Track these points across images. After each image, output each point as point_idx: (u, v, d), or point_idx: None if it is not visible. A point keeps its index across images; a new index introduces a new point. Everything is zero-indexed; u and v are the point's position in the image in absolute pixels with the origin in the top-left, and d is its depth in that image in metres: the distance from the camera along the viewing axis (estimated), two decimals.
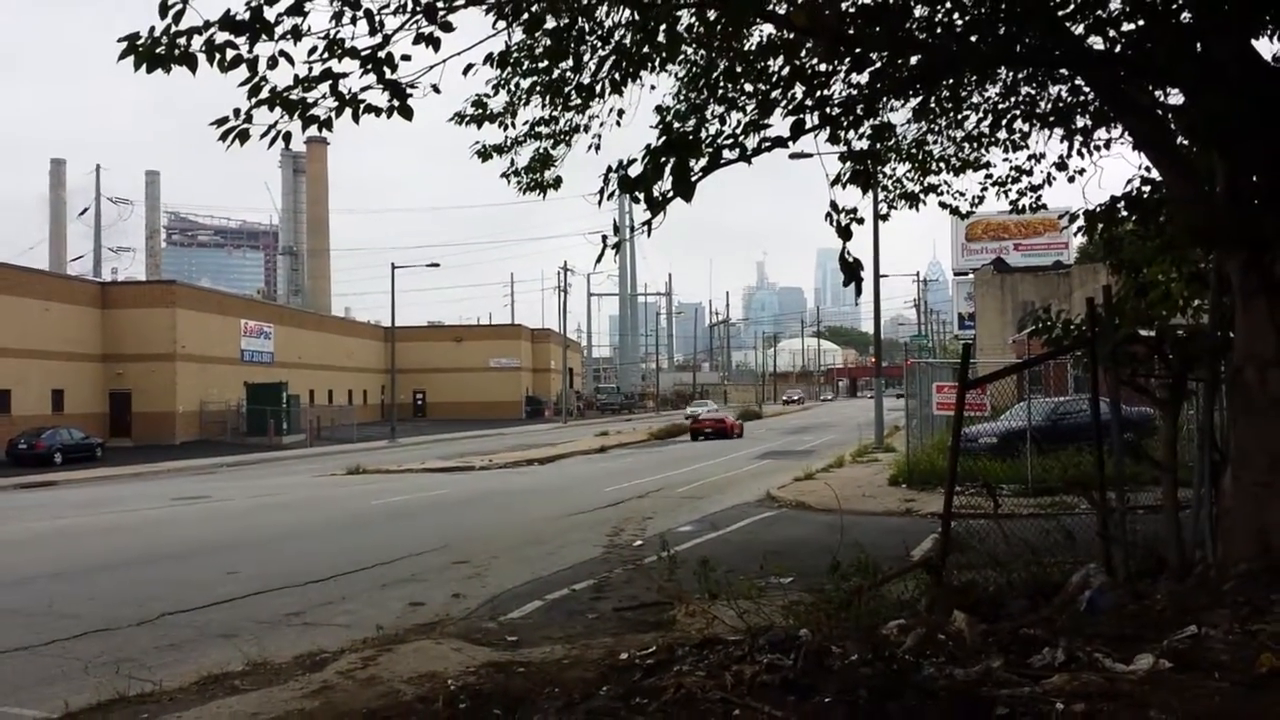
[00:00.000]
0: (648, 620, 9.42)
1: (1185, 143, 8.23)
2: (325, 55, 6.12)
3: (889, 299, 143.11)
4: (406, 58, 5.95)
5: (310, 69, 6.14)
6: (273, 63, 5.98)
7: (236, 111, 6.02)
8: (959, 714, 4.99)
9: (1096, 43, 7.76)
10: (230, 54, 5.83)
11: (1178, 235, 8.26)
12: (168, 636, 9.88)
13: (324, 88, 6.17)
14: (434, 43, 5.98)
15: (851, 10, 6.35)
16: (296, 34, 5.97)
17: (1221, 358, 8.04)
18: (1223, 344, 7.93)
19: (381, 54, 5.98)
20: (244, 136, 6.08)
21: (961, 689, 5.29)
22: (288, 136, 6.36)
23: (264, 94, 6.00)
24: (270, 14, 5.78)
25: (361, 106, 6.16)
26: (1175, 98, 8.42)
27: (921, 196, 12.65)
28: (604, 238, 5.69)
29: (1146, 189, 9.46)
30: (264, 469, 39.11)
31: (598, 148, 10.14)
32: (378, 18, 6.11)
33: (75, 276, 63.45)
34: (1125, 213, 8.44)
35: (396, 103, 5.97)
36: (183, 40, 5.72)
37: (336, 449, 49.49)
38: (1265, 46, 8.62)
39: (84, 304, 51.08)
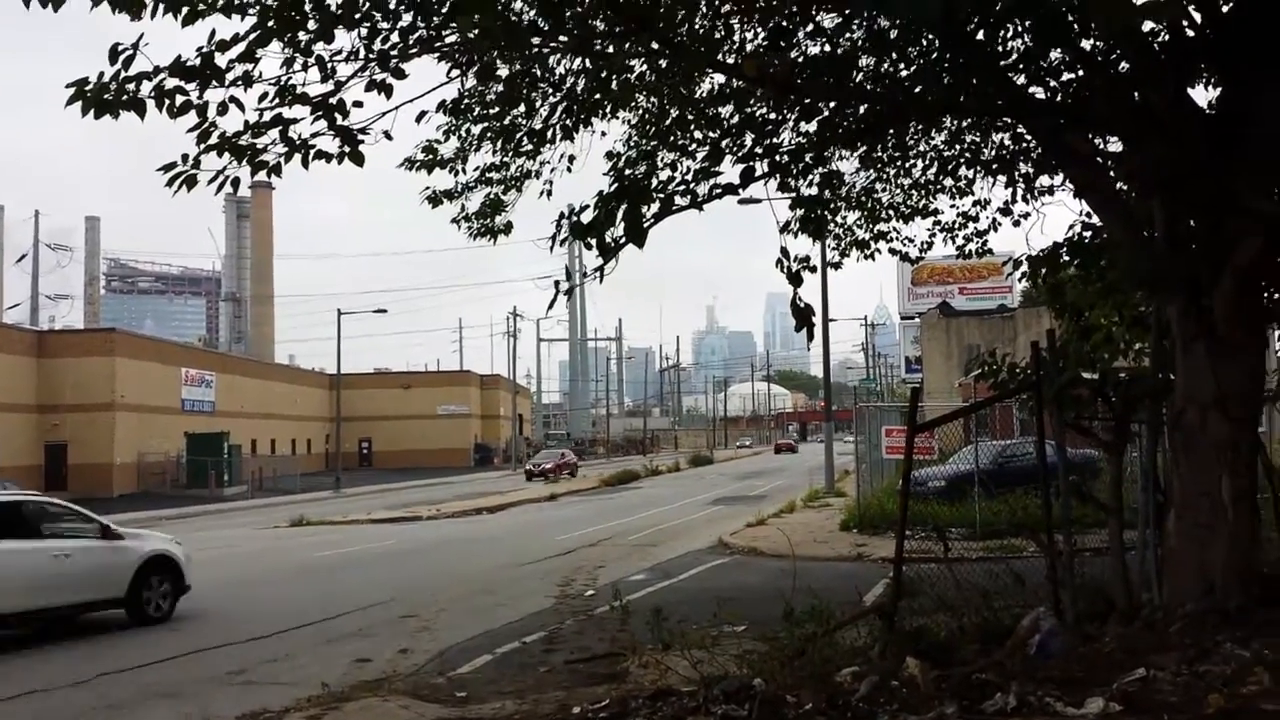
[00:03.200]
0: (600, 672, 9.29)
1: (1125, 189, 8.43)
2: (276, 101, 6.10)
3: (838, 342, 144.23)
4: (359, 104, 5.94)
5: (261, 115, 6.10)
6: (223, 109, 5.95)
7: (184, 157, 5.96)
8: None
9: (1038, 92, 7.97)
10: (180, 100, 5.78)
11: (1118, 280, 8.44)
12: (106, 697, 9.58)
13: (274, 134, 6.14)
14: (386, 90, 5.97)
15: (800, 61, 6.46)
16: (248, 80, 5.95)
17: (1163, 400, 8.18)
18: (1164, 387, 8.07)
19: (333, 100, 5.96)
20: (191, 182, 6.02)
21: None
22: (236, 182, 6.31)
23: (213, 139, 5.95)
24: (221, 60, 5.75)
25: (312, 152, 6.13)
26: (1114, 145, 8.65)
27: (872, 244, 12.84)
28: (556, 283, 5.68)
29: (1088, 234, 9.68)
30: (204, 521, 38.21)
31: (549, 193, 10.18)
32: (330, 65, 6.09)
33: (11, 325, 61.95)
34: (1067, 258, 8.62)
35: (348, 149, 5.94)
36: (132, 86, 5.66)
37: (280, 500, 48.55)
38: (1201, 94, 8.91)
39: (20, 353, 49.84)
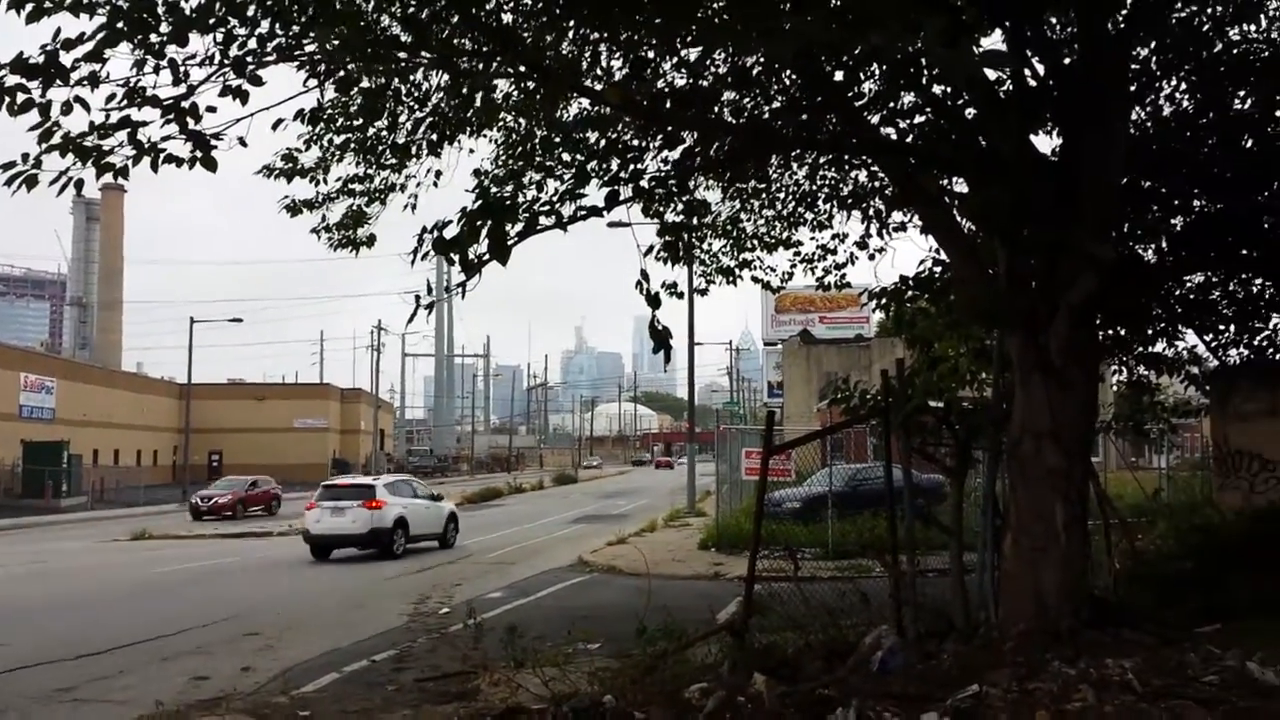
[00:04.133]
0: (451, 691, 9.18)
1: (970, 228, 8.87)
2: (125, 103, 5.88)
3: (704, 366, 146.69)
4: (212, 109, 5.78)
5: (108, 116, 5.87)
6: (67, 108, 5.72)
7: (25, 156, 5.68)
8: None
9: (891, 133, 8.32)
10: (21, 98, 5.52)
11: (962, 314, 8.84)
12: None
13: (122, 135, 5.91)
14: (242, 96, 5.82)
15: (664, 91, 6.59)
16: (94, 80, 5.72)
17: (1003, 429, 8.60)
18: (1004, 416, 8.48)
19: (185, 104, 5.78)
20: (32, 182, 5.75)
21: None
22: (80, 183, 6.06)
23: (56, 139, 5.69)
24: (66, 59, 5.52)
25: (161, 156, 5.92)
26: (961, 186, 9.08)
27: (737, 271, 13.13)
28: (417, 297, 5.63)
29: (938, 270, 10.12)
30: (39, 533, 36.13)
31: (414, 207, 10.07)
32: (183, 68, 5.91)
33: None
34: (914, 291, 9.00)
35: (199, 154, 5.77)
36: None
37: (122, 512, 46.20)
38: (1045, 142, 9.46)
39: None
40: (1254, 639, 7.45)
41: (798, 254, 12.65)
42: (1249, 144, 10.93)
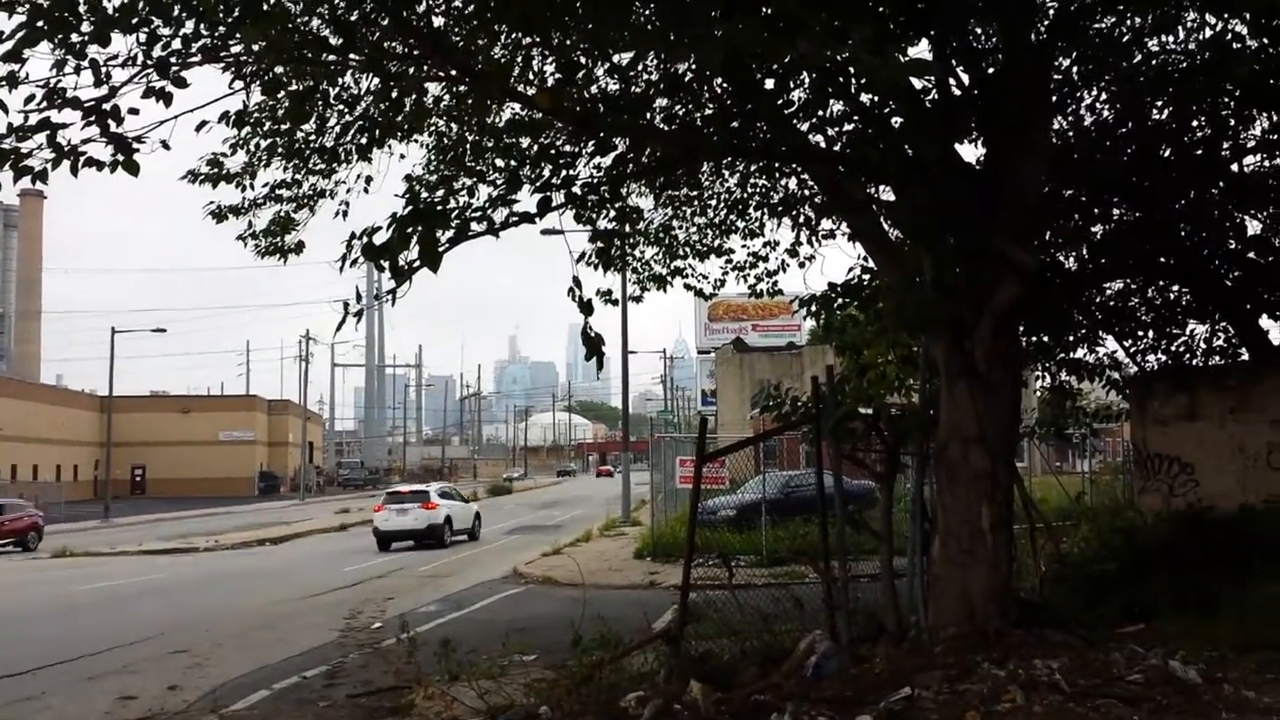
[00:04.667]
0: (385, 706, 9.05)
1: (898, 235, 9.00)
2: (44, 104, 5.70)
3: (638, 374, 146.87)
4: (134, 111, 5.62)
5: (27, 118, 5.69)
6: None
7: None
8: None
9: (820, 141, 8.41)
10: None
11: (890, 320, 8.97)
12: None
13: (41, 138, 5.73)
14: (165, 98, 5.68)
15: (595, 96, 6.59)
16: (13, 81, 5.55)
17: (930, 434, 8.72)
18: (931, 421, 8.61)
19: (107, 106, 5.63)
20: None
21: None
22: None
23: None
24: None
25: (82, 159, 5.76)
26: (888, 194, 9.22)
27: (669, 279, 13.16)
28: (345, 305, 5.54)
29: (866, 277, 10.24)
30: None
31: (345, 214, 9.90)
32: (105, 69, 5.75)
33: None
34: (842, 298, 9.11)
35: (121, 157, 5.61)
36: None
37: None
38: (969, 151, 9.65)
39: None
40: (1175, 638, 7.66)
41: (730, 261, 12.72)
42: (1167, 153, 11.27)
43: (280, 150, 9.27)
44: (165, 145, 5.83)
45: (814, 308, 8.64)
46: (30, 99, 5.66)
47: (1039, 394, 14.13)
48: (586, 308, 5.43)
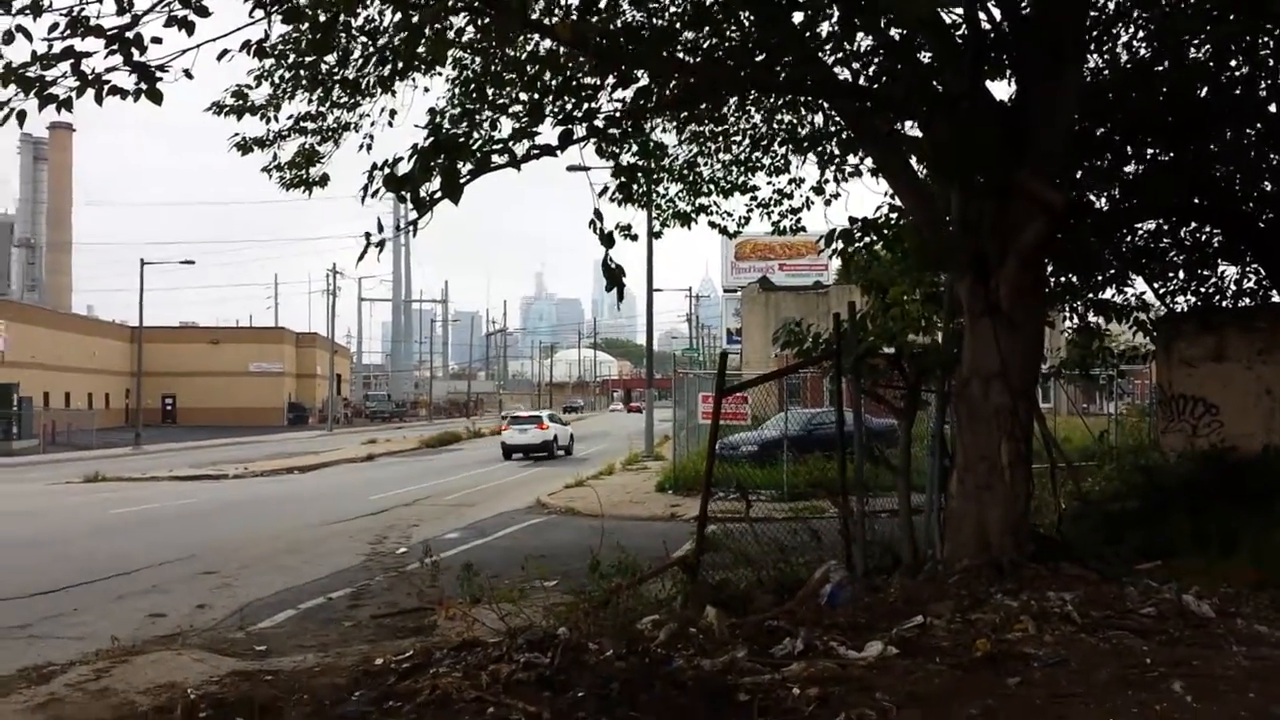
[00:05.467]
0: (408, 626, 9.29)
1: (924, 171, 8.92)
2: (68, 32, 5.74)
3: (664, 313, 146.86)
4: (157, 40, 5.64)
5: (51, 46, 5.74)
6: (8, 38, 5.59)
7: None
8: (704, 701, 5.22)
9: (845, 75, 8.32)
10: None
11: (914, 258, 8.94)
12: None
13: (65, 66, 5.77)
14: (187, 26, 5.70)
15: (618, 27, 6.53)
16: (37, 8, 5.59)
17: (952, 372, 8.74)
18: (954, 359, 8.63)
19: (130, 35, 5.65)
20: None
21: (708, 678, 5.54)
22: (22, 115, 5.96)
23: None
24: None
25: (106, 88, 5.80)
26: (914, 131, 9.13)
27: (693, 216, 13.11)
28: (367, 235, 5.60)
29: (893, 216, 10.17)
30: None
31: (369, 147, 9.90)
32: None
33: None
34: (863, 233, 9.07)
35: (144, 86, 5.65)
36: None
37: (74, 455, 45.69)
38: (999, 89, 9.51)
39: None
40: (1192, 575, 7.73)
41: (754, 199, 12.65)
42: (1203, 93, 11.05)
43: (304, 82, 9.25)
44: (188, 74, 5.85)
45: (834, 241, 8.59)
46: (54, 27, 5.69)
47: (1065, 334, 14.05)
48: (607, 240, 5.46)
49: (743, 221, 13.34)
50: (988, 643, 6.04)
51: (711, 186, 12.74)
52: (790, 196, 12.47)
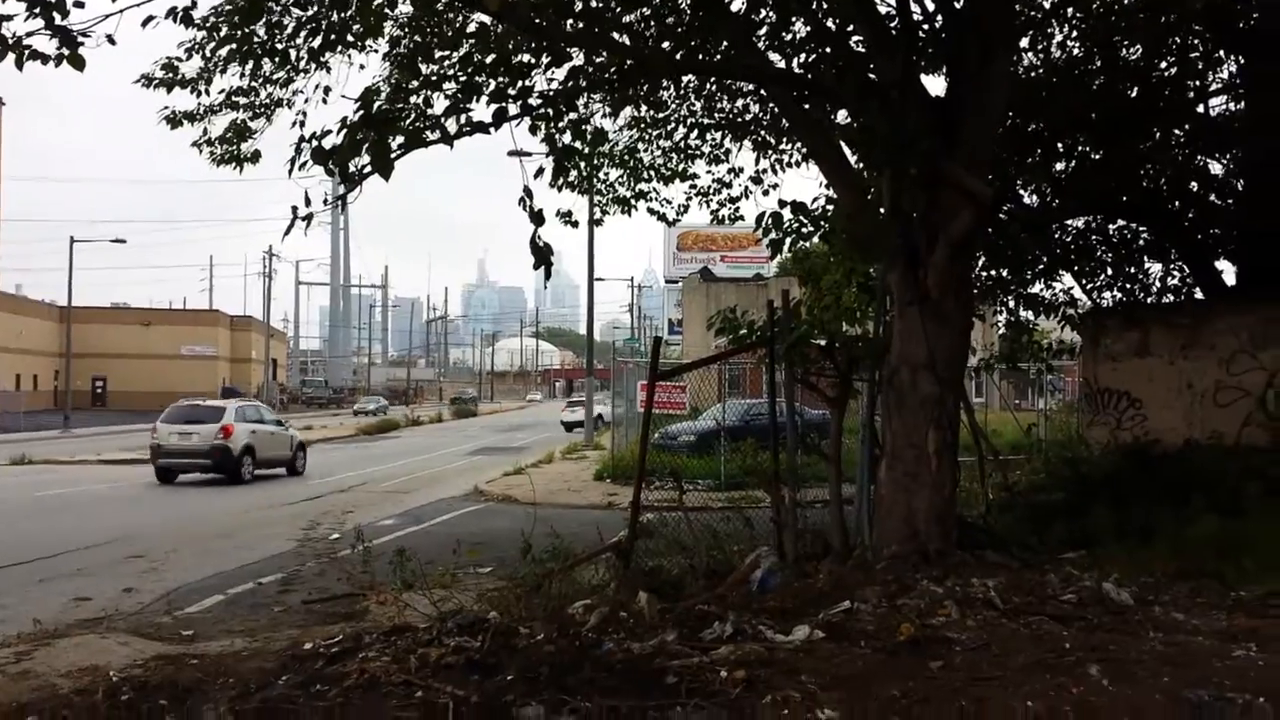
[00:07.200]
0: (339, 612, 9.21)
1: (856, 160, 9.02)
2: None
3: (607, 303, 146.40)
4: (80, 4, 5.49)
5: None
6: None
7: None
8: (632, 684, 5.24)
9: (780, 61, 8.36)
10: None
11: (846, 245, 9.03)
12: None
13: None
14: None
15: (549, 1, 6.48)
16: None
17: (882, 360, 8.85)
18: (883, 347, 8.73)
19: None
20: None
21: (637, 661, 5.56)
22: None
23: None
24: None
25: (27, 53, 5.64)
26: (848, 120, 9.22)
27: (633, 201, 13.12)
28: (294, 209, 5.51)
29: (830, 206, 10.27)
30: None
31: (303, 124, 9.69)
32: None
33: None
34: (796, 218, 9.15)
35: (66, 51, 5.50)
36: None
37: (0, 438, 44.56)
38: (936, 85, 9.63)
39: None
40: (1112, 564, 7.91)
41: (693, 187, 12.71)
42: (1132, 93, 11.31)
43: (235, 55, 9.06)
44: (111, 40, 5.71)
45: (766, 225, 8.66)
46: None
47: (996, 329, 14.30)
48: (537, 218, 5.44)
49: (682, 209, 13.39)
50: (912, 627, 6.13)
51: (652, 173, 12.77)
52: (729, 185, 12.54)
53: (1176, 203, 12.68)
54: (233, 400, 28.79)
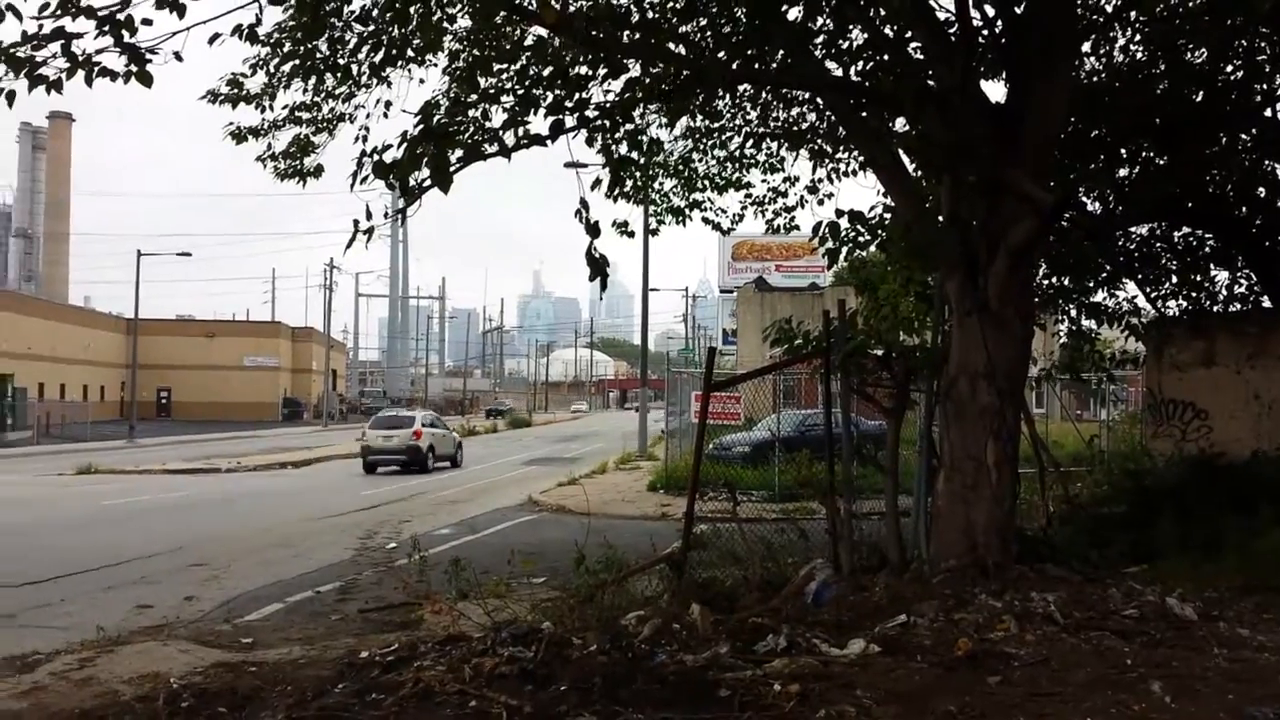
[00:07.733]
0: (394, 621, 9.28)
1: (915, 168, 8.92)
2: (58, 12, 5.73)
3: (661, 313, 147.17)
4: (148, 22, 5.64)
5: (41, 26, 5.72)
6: None
7: None
8: (685, 696, 5.22)
9: (837, 70, 8.31)
10: None
11: (902, 254, 8.94)
12: None
13: (55, 47, 5.76)
14: (178, 8, 5.69)
15: (605, 12, 6.51)
16: None
17: (940, 370, 8.74)
18: (941, 357, 8.62)
19: (121, 16, 5.64)
20: None
21: (690, 673, 5.55)
22: (11, 95, 5.94)
23: None
24: None
25: (96, 70, 5.79)
26: (904, 126, 9.12)
27: (687, 211, 13.12)
28: (355, 222, 5.59)
29: (887, 216, 10.18)
30: None
31: (365, 138, 9.88)
32: None
33: None
34: (853, 227, 9.08)
35: (135, 68, 5.64)
36: None
37: (68, 447, 45.66)
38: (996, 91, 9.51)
39: None
40: (1177, 578, 7.73)
41: (749, 196, 12.67)
42: (1198, 97, 11.06)
43: (299, 71, 9.23)
44: (178, 56, 5.85)
45: (822, 233, 8.60)
46: (44, 7, 5.68)
47: (1057, 338, 14.06)
48: (593, 229, 5.45)
49: (737, 218, 13.36)
50: (969, 642, 6.05)
51: (706, 182, 12.76)
52: (785, 195, 12.49)
53: (1243, 208, 12.36)
54: (419, 410, 38.73)
